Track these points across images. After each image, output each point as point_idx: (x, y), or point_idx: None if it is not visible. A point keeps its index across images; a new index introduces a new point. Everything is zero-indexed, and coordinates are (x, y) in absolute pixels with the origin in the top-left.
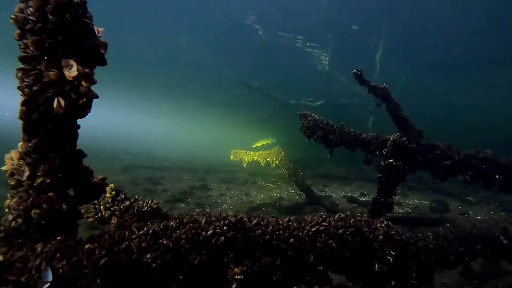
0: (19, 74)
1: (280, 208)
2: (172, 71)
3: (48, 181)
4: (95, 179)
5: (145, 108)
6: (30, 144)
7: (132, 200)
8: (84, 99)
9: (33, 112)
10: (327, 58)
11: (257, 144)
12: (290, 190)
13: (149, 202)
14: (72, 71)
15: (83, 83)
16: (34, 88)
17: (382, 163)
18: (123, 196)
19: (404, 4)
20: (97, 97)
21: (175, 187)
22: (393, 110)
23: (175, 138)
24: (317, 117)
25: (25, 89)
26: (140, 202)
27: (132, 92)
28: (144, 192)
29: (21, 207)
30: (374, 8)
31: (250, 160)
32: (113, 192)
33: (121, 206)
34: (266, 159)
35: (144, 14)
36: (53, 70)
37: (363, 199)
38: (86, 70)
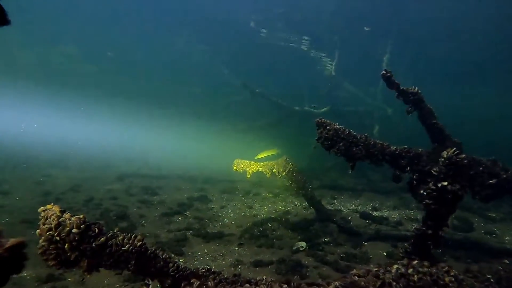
0: None
1: (286, 224)
2: (171, 76)
3: None
4: None
5: (139, 117)
6: None
7: (108, 235)
8: None
9: None
10: (334, 63)
11: (261, 155)
12: (296, 202)
13: (132, 239)
14: None
15: None
16: None
17: (432, 186)
18: (97, 231)
19: (413, 4)
20: None
21: (173, 198)
22: (427, 118)
23: (173, 148)
24: (337, 126)
25: None
26: (120, 239)
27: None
28: (139, 204)
29: None
30: (382, 11)
31: (254, 171)
32: (83, 226)
33: (94, 245)
34: (272, 170)
35: (142, 17)
36: None
37: (376, 214)
38: None
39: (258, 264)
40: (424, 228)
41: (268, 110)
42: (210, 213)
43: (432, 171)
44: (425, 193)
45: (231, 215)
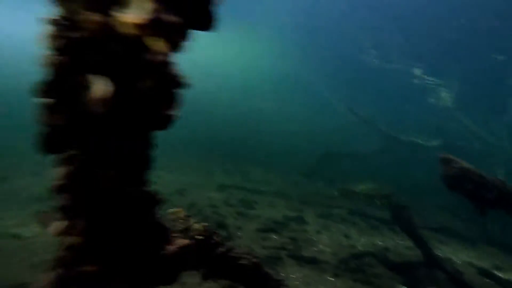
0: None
1: (386, 262)
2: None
3: None
4: None
5: None
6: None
7: (228, 247)
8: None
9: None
10: (451, 94)
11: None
12: (395, 238)
13: (250, 255)
14: (135, 14)
15: (161, 44)
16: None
17: None
18: (217, 240)
19: None
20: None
21: (269, 215)
22: None
23: None
24: (465, 165)
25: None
26: (237, 252)
27: None
28: (236, 215)
29: None
30: None
31: (354, 196)
32: (206, 234)
33: (215, 253)
34: (373, 200)
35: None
36: (94, 13)
37: (500, 274)
38: (172, 18)
39: None
40: None
41: (372, 137)
42: (305, 235)
43: None
44: None
45: (327, 242)
